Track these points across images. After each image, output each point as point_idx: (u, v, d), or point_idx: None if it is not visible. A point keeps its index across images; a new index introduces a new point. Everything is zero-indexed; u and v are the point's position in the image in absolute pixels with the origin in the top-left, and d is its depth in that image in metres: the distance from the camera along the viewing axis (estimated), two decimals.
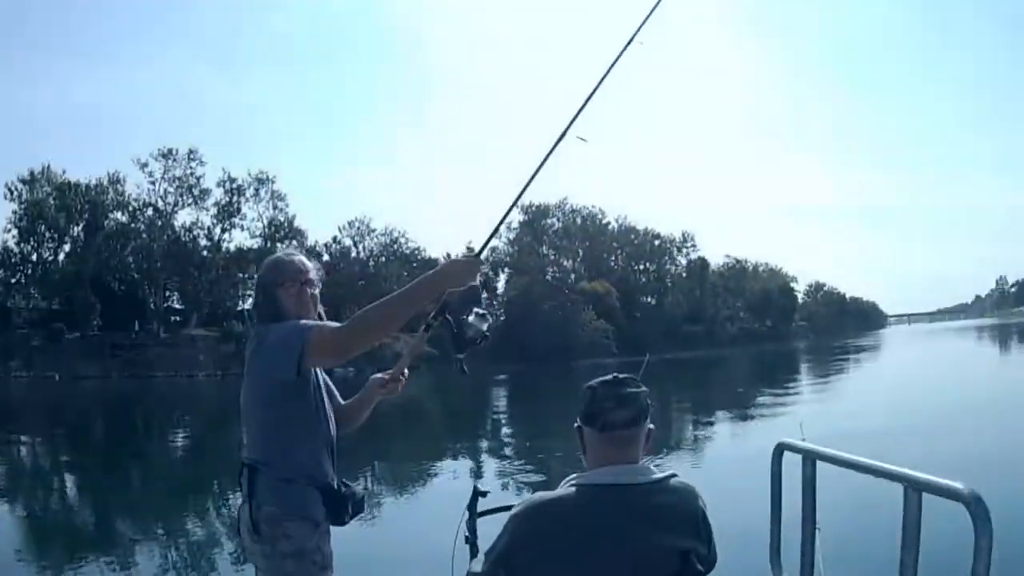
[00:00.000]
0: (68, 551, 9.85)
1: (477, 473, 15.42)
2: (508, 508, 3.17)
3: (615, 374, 2.05)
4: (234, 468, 2.67)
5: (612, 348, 61.49)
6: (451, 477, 15.05)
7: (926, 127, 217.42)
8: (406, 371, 2.76)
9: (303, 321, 2.41)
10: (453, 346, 2.54)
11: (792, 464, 2.47)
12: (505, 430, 24.83)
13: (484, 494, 3.24)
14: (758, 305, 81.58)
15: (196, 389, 45.49)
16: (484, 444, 22.22)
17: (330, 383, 2.67)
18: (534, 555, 1.96)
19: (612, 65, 2.65)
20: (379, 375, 2.78)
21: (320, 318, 2.53)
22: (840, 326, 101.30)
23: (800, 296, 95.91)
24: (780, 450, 2.51)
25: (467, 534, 3.10)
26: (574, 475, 2.04)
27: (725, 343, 71.76)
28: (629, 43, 2.67)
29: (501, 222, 2.72)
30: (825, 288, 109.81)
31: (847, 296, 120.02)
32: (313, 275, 2.56)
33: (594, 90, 2.62)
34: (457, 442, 21.66)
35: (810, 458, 2.34)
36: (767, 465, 2.58)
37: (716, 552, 2.04)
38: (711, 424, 20.44)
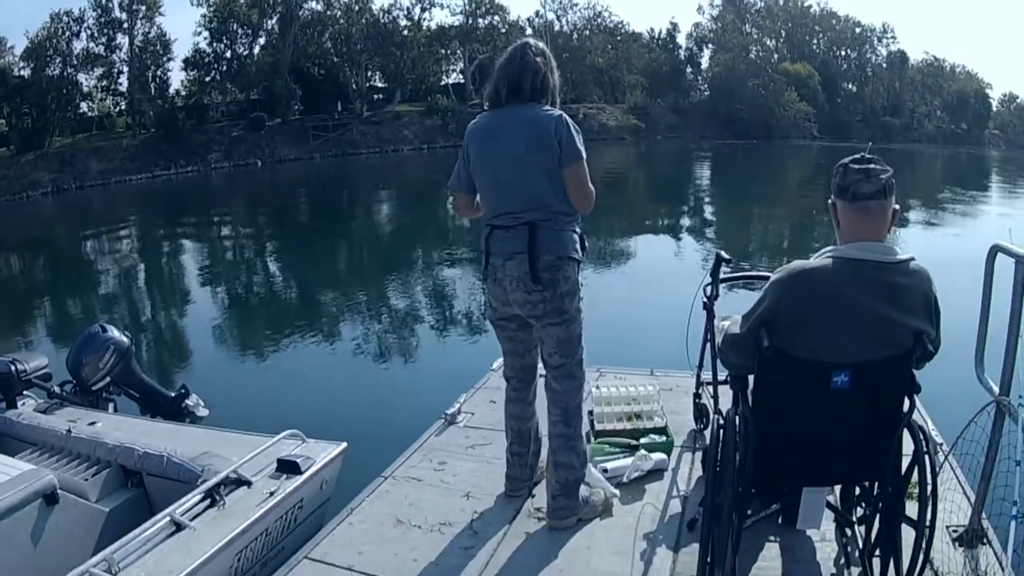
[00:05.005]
0: (281, 324, 9.86)
1: (715, 241, 15.68)
2: (753, 277, 3.42)
3: (863, 154, 2.12)
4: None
5: (813, 131, 60.22)
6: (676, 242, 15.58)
7: None
8: None
9: None
10: None
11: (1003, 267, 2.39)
12: (725, 203, 24.25)
13: (728, 261, 3.20)
14: (954, 107, 77.15)
15: (403, 162, 45.77)
16: (707, 212, 22.06)
17: None
18: (792, 318, 2.05)
19: None
20: None
21: None
22: None
23: (994, 105, 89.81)
24: (994, 252, 2.43)
25: (704, 299, 3.12)
26: (828, 248, 2.10)
27: (922, 139, 69.01)
28: None
29: None
30: (1019, 100, 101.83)
31: None
32: None
33: None
34: (678, 209, 21.71)
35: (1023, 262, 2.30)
36: (970, 267, 2.55)
37: (941, 338, 2.11)
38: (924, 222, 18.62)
